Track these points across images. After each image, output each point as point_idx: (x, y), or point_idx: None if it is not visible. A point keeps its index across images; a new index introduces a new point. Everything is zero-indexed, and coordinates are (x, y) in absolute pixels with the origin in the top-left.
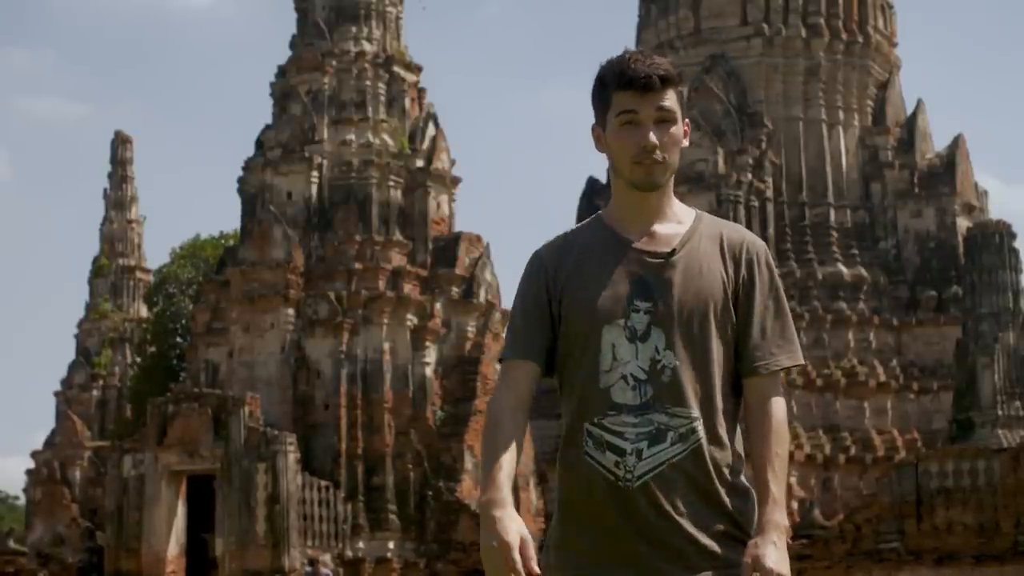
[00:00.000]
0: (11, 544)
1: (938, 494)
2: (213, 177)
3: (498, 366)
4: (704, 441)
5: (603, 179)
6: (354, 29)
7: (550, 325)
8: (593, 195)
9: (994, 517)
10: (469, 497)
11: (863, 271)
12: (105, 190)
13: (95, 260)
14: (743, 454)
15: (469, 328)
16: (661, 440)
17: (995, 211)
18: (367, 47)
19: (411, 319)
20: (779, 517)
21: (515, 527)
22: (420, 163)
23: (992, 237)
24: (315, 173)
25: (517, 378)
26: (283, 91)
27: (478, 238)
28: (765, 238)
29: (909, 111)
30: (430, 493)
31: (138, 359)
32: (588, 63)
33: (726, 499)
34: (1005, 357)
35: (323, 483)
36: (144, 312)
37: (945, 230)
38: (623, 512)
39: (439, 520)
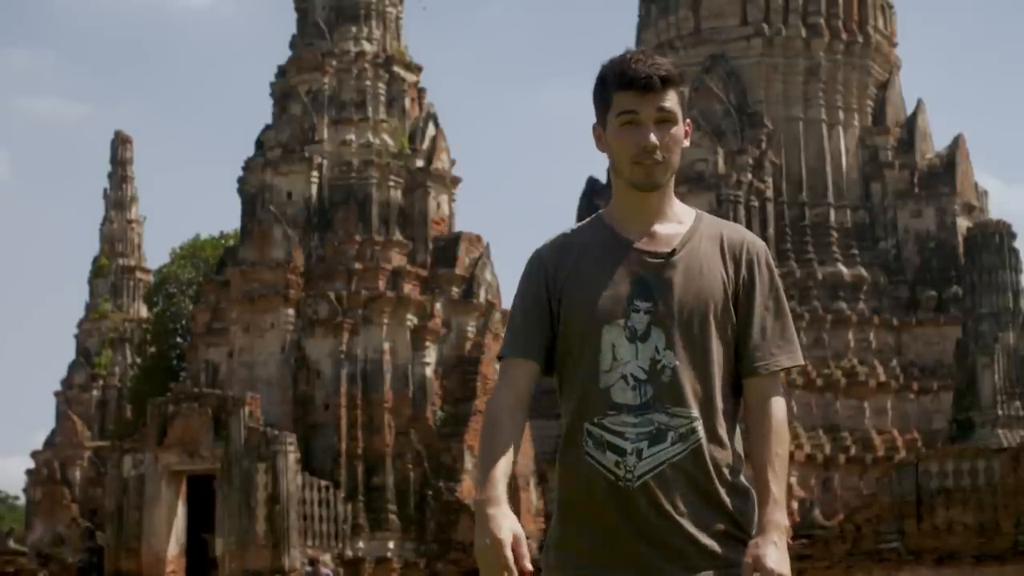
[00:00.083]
0: (11, 544)
1: (938, 494)
2: (213, 177)
3: (498, 365)
4: (704, 441)
5: (603, 179)
6: (354, 29)
7: (550, 324)
8: (593, 195)
9: (994, 517)
10: (469, 497)
11: (863, 271)
12: (105, 190)
13: (95, 260)
14: (743, 454)
15: (469, 328)
16: (661, 440)
17: (995, 211)
18: (367, 47)
19: (411, 319)
20: (779, 517)
21: (508, 525)
22: (420, 163)
23: (992, 237)
24: (315, 173)
25: (516, 377)
26: (283, 91)
27: (478, 238)
28: (765, 238)
29: (909, 111)
30: (430, 493)
31: (138, 359)
32: (588, 63)
33: (726, 499)
34: (1005, 357)
35: (323, 483)
36: (144, 312)
37: (945, 230)
38: (623, 512)
39: (439, 520)
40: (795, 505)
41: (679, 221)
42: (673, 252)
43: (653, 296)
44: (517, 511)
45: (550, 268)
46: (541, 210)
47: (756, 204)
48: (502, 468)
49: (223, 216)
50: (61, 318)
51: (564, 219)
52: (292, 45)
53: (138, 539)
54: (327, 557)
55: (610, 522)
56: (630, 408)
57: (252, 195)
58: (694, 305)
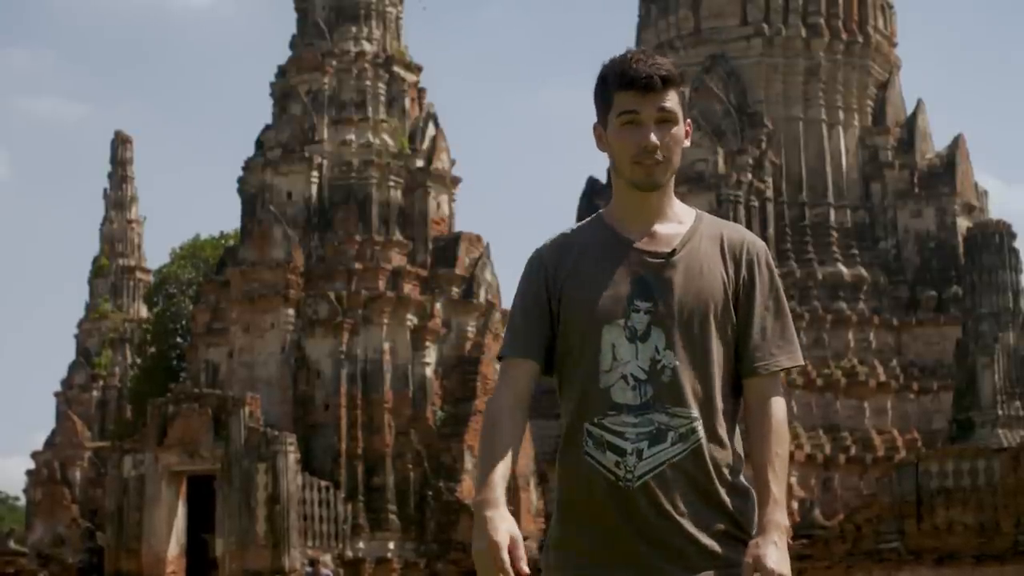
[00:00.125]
0: (11, 544)
1: (938, 494)
2: (213, 177)
3: (498, 365)
4: (704, 441)
5: (603, 179)
6: (354, 29)
7: (550, 323)
8: (593, 195)
9: (994, 517)
10: (469, 497)
11: (863, 271)
12: (105, 190)
13: (95, 260)
14: (743, 454)
15: (469, 328)
16: (661, 440)
17: (995, 211)
18: (367, 47)
19: (411, 319)
20: (780, 517)
21: (505, 527)
22: (420, 163)
23: (992, 237)
24: (315, 173)
25: (516, 377)
26: (283, 91)
27: (478, 238)
28: (765, 238)
29: (909, 111)
30: (430, 493)
31: (138, 359)
32: (588, 63)
33: (726, 499)
34: (1005, 357)
35: (323, 483)
36: (144, 312)
37: (945, 230)
38: (623, 512)
39: (439, 520)
40: (795, 505)
41: (679, 221)
42: (673, 252)
43: (653, 296)
44: (517, 511)
45: (550, 268)
46: (541, 210)
47: (756, 204)
48: (501, 470)
49: (223, 216)
50: (61, 318)
51: (564, 219)
52: (292, 45)
53: (138, 539)
54: (327, 557)
55: (610, 522)
56: (630, 408)
57: (252, 195)
58: (694, 305)
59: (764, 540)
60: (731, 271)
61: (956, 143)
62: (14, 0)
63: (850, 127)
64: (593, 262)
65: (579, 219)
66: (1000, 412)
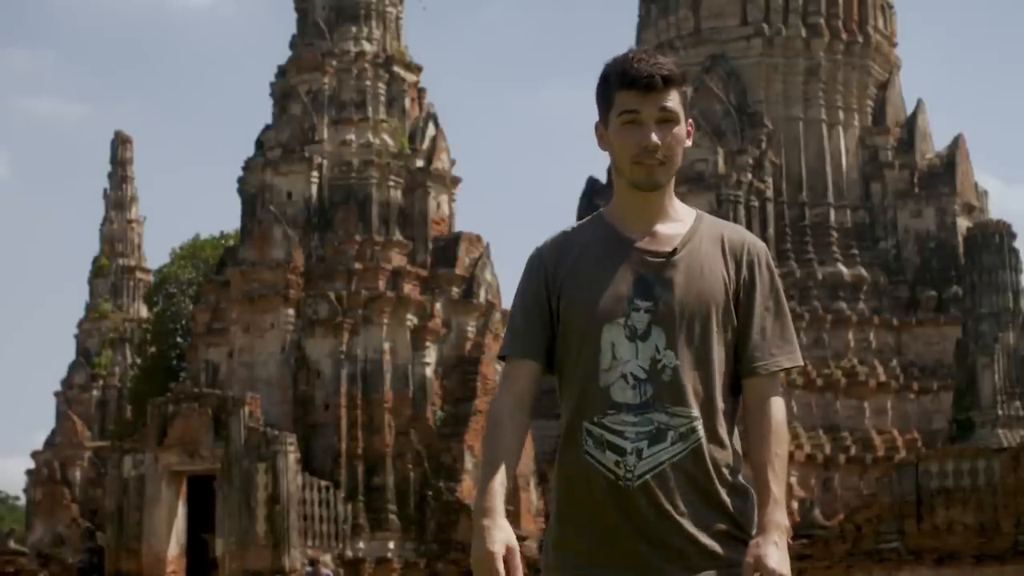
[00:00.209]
0: (11, 544)
1: (938, 494)
2: (213, 177)
3: (498, 365)
4: (704, 441)
5: (603, 179)
6: (354, 29)
7: (550, 322)
8: (593, 195)
9: (994, 517)
10: (469, 497)
11: (863, 271)
12: (105, 190)
13: (95, 260)
14: (742, 454)
15: (469, 328)
16: (661, 439)
17: (995, 211)
18: (367, 47)
19: (411, 319)
20: (780, 517)
21: (502, 537)
22: (420, 163)
23: (992, 237)
24: (315, 173)
25: (517, 378)
26: (283, 91)
27: (478, 238)
28: (765, 238)
29: (909, 111)
30: (430, 493)
31: (138, 359)
32: (588, 63)
33: (726, 499)
34: (1005, 357)
35: (323, 483)
36: (144, 312)
37: (945, 230)
38: (623, 511)
39: (439, 520)
40: (795, 505)
41: (680, 221)
42: (674, 252)
43: (654, 295)
44: (517, 511)
45: (550, 266)
46: (541, 210)
47: (756, 204)
48: (500, 477)
49: (223, 216)
50: (61, 318)
51: (564, 219)
52: (292, 45)
53: (138, 539)
54: (327, 557)
55: (610, 522)
56: (630, 407)
57: (252, 195)
58: (696, 306)
59: (765, 540)
60: (732, 272)
61: (956, 143)
62: (14, 0)
63: (850, 127)
64: (593, 261)
65: (579, 219)
66: (1000, 412)
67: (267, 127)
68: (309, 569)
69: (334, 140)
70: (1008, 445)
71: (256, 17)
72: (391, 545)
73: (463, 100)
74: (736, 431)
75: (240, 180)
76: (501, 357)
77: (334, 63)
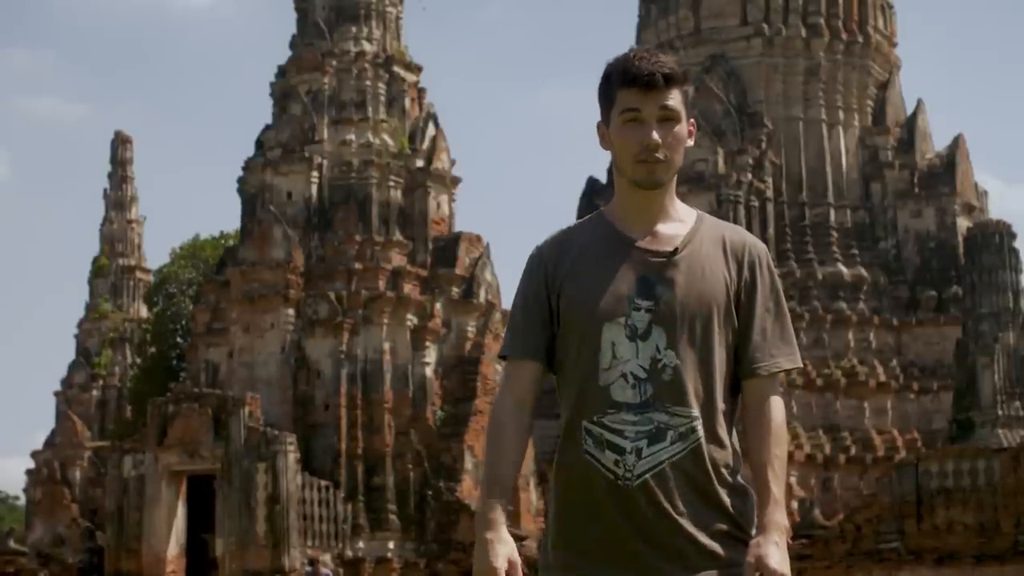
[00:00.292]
0: (11, 544)
1: (938, 494)
2: (213, 177)
3: (498, 366)
4: (704, 440)
5: (603, 179)
6: (354, 29)
7: (550, 321)
8: (593, 195)
9: (994, 517)
10: (469, 497)
11: (863, 271)
12: (105, 190)
13: (95, 260)
14: (741, 454)
15: (469, 328)
16: (661, 439)
17: (995, 211)
18: (367, 47)
19: (411, 319)
20: (780, 517)
21: (504, 551)
22: (420, 163)
23: (992, 237)
24: (315, 173)
25: (518, 378)
26: (283, 91)
27: (478, 238)
28: (765, 238)
29: (909, 111)
30: (430, 493)
31: (138, 359)
32: (588, 63)
33: (725, 499)
34: (1005, 357)
35: (323, 483)
36: (144, 312)
37: (945, 230)
38: (622, 511)
39: (439, 520)
40: (795, 505)
41: (681, 220)
42: (675, 251)
43: (655, 295)
44: (517, 511)
45: (549, 265)
46: (541, 210)
47: (756, 204)
48: (502, 483)
49: (223, 216)
50: (61, 318)
51: (564, 219)
52: (292, 45)
53: (138, 539)
54: (327, 557)
55: (609, 521)
56: (629, 406)
57: (252, 195)
58: (697, 306)
59: (765, 540)
60: (733, 273)
61: (956, 143)
62: (14, 0)
63: (850, 127)
64: (594, 260)
65: (579, 219)
66: (1000, 412)
67: (267, 127)
68: (309, 569)
69: (334, 140)
70: (1008, 445)
71: (256, 17)
72: (391, 545)
73: (463, 100)
74: (735, 431)
75: (240, 180)
76: (502, 357)
77: (334, 63)
